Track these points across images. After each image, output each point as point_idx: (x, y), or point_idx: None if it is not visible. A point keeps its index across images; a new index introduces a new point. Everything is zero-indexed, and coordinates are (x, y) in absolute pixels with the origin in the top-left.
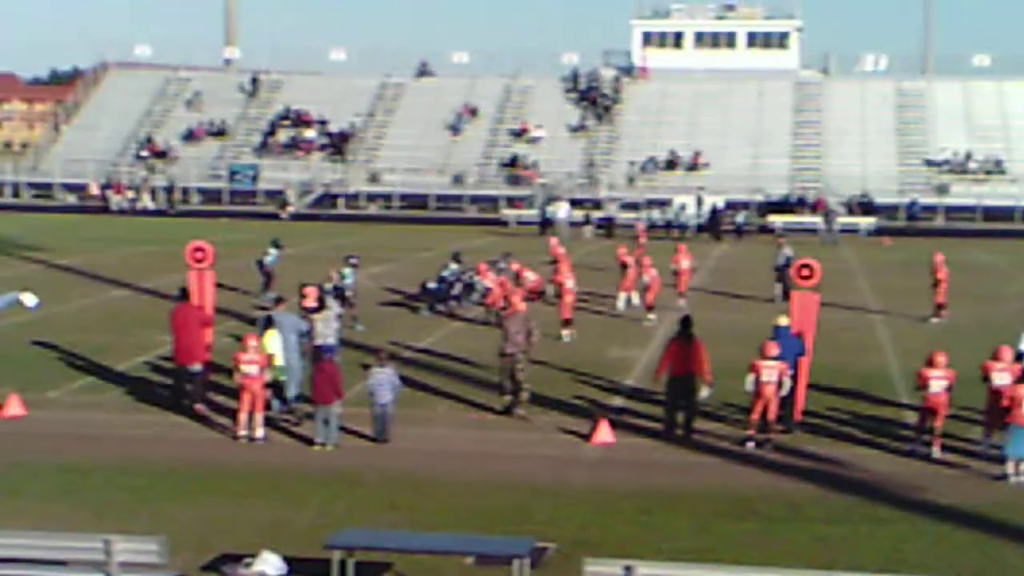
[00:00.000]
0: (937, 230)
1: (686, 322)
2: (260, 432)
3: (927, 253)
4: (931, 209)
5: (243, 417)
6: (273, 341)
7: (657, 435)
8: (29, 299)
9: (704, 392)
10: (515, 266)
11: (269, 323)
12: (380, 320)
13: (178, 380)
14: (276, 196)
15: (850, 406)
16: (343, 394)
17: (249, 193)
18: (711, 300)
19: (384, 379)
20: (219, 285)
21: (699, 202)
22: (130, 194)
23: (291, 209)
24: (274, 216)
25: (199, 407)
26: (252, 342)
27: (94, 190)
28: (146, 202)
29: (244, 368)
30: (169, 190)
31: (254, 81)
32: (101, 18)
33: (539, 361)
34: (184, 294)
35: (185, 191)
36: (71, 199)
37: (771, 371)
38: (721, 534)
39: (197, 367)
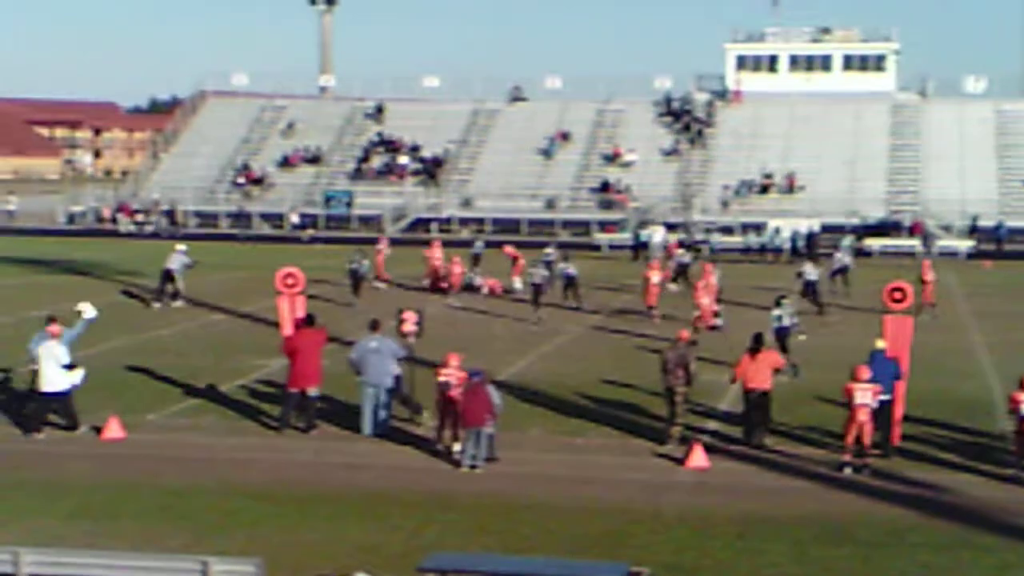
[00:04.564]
0: None
1: (758, 339)
2: (458, 446)
3: None
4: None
5: (448, 432)
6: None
7: (752, 460)
8: (88, 311)
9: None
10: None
11: None
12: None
13: (289, 404)
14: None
15: (950, 432)
16: (496, 415)
17: (344, 219)
18: (807, 322)
19: None
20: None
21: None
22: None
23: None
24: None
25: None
26: (454, 361)
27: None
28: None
29: (442, 378)
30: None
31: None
32: (199, 48)
33: (629, 384)
34: (306, 320)
35: (280, 217)
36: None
37: (864, 394)
38: (819, 560)
39: (314, 391)
